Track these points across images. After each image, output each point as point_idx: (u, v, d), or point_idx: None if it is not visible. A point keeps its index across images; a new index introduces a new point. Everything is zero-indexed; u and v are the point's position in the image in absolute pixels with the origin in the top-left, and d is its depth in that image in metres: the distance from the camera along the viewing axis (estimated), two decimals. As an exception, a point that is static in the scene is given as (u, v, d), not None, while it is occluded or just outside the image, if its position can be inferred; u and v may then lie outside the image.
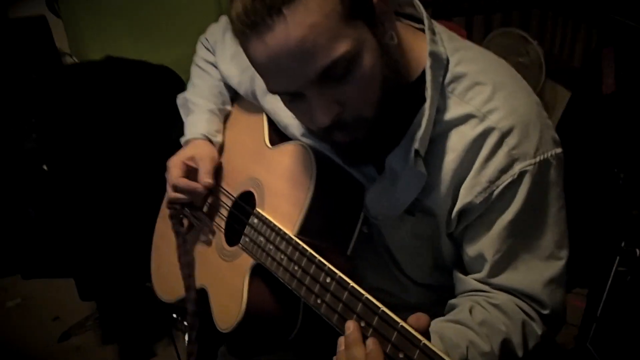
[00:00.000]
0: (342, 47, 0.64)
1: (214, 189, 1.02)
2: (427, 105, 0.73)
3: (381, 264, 0.90)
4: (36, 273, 2.25)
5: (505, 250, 0.77)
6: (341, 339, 0.64)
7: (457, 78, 0.76)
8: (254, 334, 0.87)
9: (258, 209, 0.89)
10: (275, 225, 0.83)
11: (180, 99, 1.10)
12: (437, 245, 0.84)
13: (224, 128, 1.09)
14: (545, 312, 0.78)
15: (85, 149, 1.60)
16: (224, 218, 0.98)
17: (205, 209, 1.03)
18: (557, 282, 0.78)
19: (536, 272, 0.77)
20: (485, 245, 0.77)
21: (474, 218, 0.77)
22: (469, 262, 0.81)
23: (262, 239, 0.85)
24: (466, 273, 0.82)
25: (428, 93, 0.73)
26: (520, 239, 0.77)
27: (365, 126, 0.72)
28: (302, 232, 0.81)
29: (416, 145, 0.74)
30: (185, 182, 0.97)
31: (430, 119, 0.74)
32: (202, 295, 0.96)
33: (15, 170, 1.86)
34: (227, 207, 0.98)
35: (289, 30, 0.61)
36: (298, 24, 0.61)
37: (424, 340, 0.57)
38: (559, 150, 0.77)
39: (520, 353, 0.75)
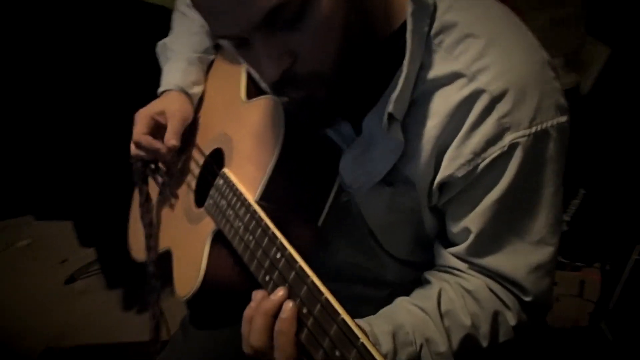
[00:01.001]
0: None
1: (188, 144, 0.94)
2: (405, 60, 0.62)
3: (359, 238, 0.81)
4: (47, 215, 2.27)
5: (490, 230, 0.66)
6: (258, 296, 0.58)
7: (445, 28, 0.63)
8: (213, 305, 0.81)
9: (225, 169, 0.80)
10: (237, 188, 0.75)
11: (159, 45, 1.00)
12: (419, 219, 0.74)
13: (206, 78, 0.99)
14: (527, 299, 0.68)
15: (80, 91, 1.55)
16: (195, 177, 0.90)
17: (177, 165, 0.95)
18: (544, 269, 0.68)
19: (522, 256, 0.67)
20: (468, 222, 0.67)
21: (456, 192, 0.67)
22: (452, 238, 0.72)
23: (224, 202, 0.77)
24: (447, 247, 0.73)
25: (408, 46, 0.62)
26: (508, 219, 0.66)
27: (323, 83, 0.61)
28: (264, 198, 0.72)
29: (390, 108, 0.63)
30: (147, 141, 0.89)
31: (410, 78, 0.63)
32: (167, 258, 0.89)
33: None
34: (199, 165, 0.90)
35: None
36: None
37: (363, 339, 0.49)
38: (562, 119, 0.64)
39: (484, 343, 0.67)
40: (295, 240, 0.74)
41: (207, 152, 0.89)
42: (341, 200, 0.76)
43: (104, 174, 1.68)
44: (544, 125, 0.62)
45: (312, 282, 0.57)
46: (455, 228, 0.69)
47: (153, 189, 0.98)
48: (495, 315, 0.67)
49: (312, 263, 0.88)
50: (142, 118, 0.90)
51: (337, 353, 0.51)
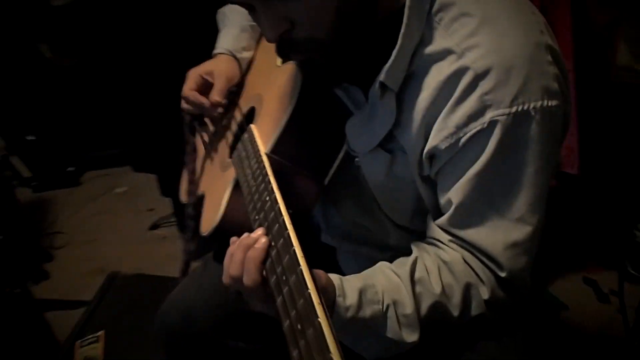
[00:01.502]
0: None
1: (231, 103, 1.04)
2: (400, 34, 0.66)
3: (364, 201, 0.86)
4: (142, 168, 2.52)
5: (470, 203, 0.69)
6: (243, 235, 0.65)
7: (445, 6, 0.67)
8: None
9: (251, 125, 0.90)
10: (255, 141, 0.84)
11: (219, 13, 1.11)
12: (416, 188, 0.78)
13: (257, 46, 1.09)
14: (502, 274, 0.70)
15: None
16: (232, 132, 1.00)
17: (221, 121, 1.06)
18: (522, 247, 0.69)
19: (500, 232, 0.69)
20: (451, 194, 0.70)
21: (443, 164, 0.70)
22: (441, 210, 0.75)
23: (244, 153, 0.86)
24: (436, 219, 0.76)
25: (404, 21, 0.66)
26: (488, 194, 0.69)
27: (319, 49, 0.68)
28: (274, 151, 0.80)
29: (381, 77, 0.68)
30: (194, 96, 0.99)
31: (404, 51, 0.67)
32: (202, 201, 1.01)
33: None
34: (236, 122, 1.00)
35: None
36: None
37: (311, 290, 0.52)
38: (550, 102, 0.65)
39: (455, 313, 0.70)
40: (298, 191, 0.82)
41: (244, 110, 0.98)
42: (351, 163, 0.82)
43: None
44: (525, 106, 0.64)
45: (284, 220, 0.64)
46: (441, 199, 0.73)
47: (201, 142, 1.10)
48: (468, 287, 0.70)
49: (323, 219, 0.96)
50: (191, 76, 1.01)
51: (283, 286, 0.56)
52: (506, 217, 0.69)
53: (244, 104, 1.01)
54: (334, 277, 0.69)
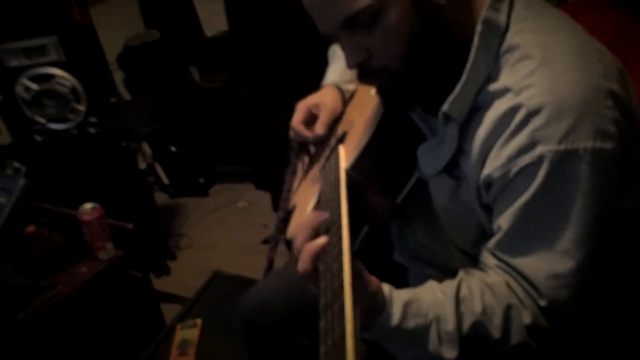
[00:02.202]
0: (363, 1, 0.69)
1: (332, 129, 1.16)
2: (465, 70, 0.73)
3: (432, 223, 0.92)
4: (262, 186, 2.75)
5: (517, 230, 0.73)
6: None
7: (511, 48, 0.73)
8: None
9: (340, 145, 1.00)
10: (338, 158, 0.94)
11: (330, 50, 1.24)
12: (477, 215, 0.82)
13: None
14: (542, 303, 0.72)
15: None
16: (327, 153, 1.11)
17: (322, 145, 1.17)
18: (564, 280, 0.71)
19: (544, 261, 0.72)
20: (501, 220, 0.74)
21: (497, 192, 0.75)
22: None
23: (329, 169, 0.96)
24: None
25: (470, 59, 0.73)
26: (535, 224, 0.72)
27: (393, 77, 0.76)
28: (353, 168, 0.89)
29: (444, 107, 0.75)
30: (300, 129, 1.10)
31: (467, 85, 0.74)
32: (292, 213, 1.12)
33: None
34: (331, 144, 1.11)
35: None
36: None
37: (345, 275, 0.60)
38: (603, 145, 0.67)
39: (496, 334, 0.72)
40: (370, 206, 0.89)
41: (339, 134, 1.09)
42: (423, 186, 0.89)
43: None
44: (574, 145, 0.67)
45: (342, 222, 0.72)
46: (494, 225, 0.77)
47: (302, 165, 1.22)
48: (509, 308, 0.73)
49: (397, 238, 1.02)
50: (300, 108, 1.13)
51: (327, 273, 0.65)
52: (551, 249, 0.71)
53: (340, 129, 1.11)
54: (386, 286, 0.76)
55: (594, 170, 0.68)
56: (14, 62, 1.74)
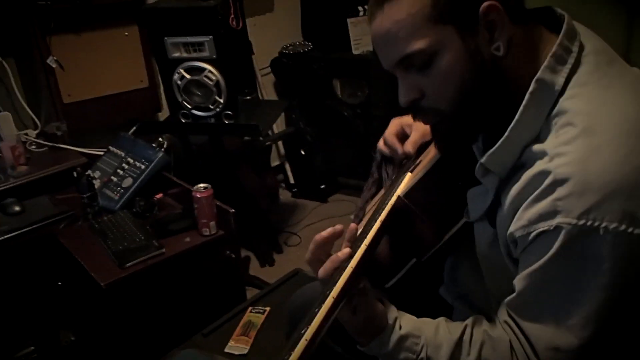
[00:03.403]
0: (418, 44, 0.73)
1: (418, 154, 1.20)
2: (509, 127, 0.74)
3: (476, 267, 0.93)
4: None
5: (529, 293, 0.73)
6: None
7: (560, 112, 0.72)
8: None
9: (408, 172, 1.05)
10: (399, 183, 0.99)
11: None
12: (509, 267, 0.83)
13: None
14: None
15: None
16: (401, 176, 1.17)
17: (402, 167, 1.23)
18: (563, 354, 0.70)
19: (548, 331, 0.71)
20: (517, 280, 0.75)
21: (519, 251, 0.75)
22: None
23: (390, 191, 1.02)
24: None
25: (516, 116, 0.74)
26: (546, 292, 0.71)
27: (442, 118, 0.79)
28: (407, 196, 0.94)
29: (483, 159, 0.77)
30: (392, 139, 1.15)
31: (509, 142, 0.75)
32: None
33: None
34: (407, 168, 1.16)
35: (383, 20, 0.75)
36: (388, 17, 0.75)
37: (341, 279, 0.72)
38: (629, 229, 0.64)
39: None
40: (417, 235, 0.94)
41: (417, 162, 1.14)
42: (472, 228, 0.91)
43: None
44: (595, 223, 0.65)
45: (358, 248, 0.80)
46: (513, 282, 0.77)
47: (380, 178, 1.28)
48: None
49: (447, 274, 1.04)
50: (394, 123, 1.18)
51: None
52: (558, 321, 0.70)
53: (420, 157, 1.16)
54: (393, 313, 0.82)
55: (616, 253, 0.66)
56: (176, 54, 2.03)
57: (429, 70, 0.76)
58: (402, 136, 1.16)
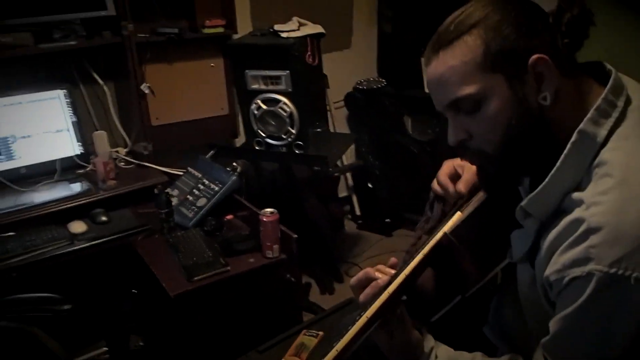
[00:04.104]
0: (467, 89, 0.79)
1: (472, 193, 1.24)
2: (550, 174, 0.78)
3: (518, 306, 0.95)
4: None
5: (562, 337, 0.75)
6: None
7: (601, 163, 0.75)
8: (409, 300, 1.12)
9: (458, 211, 1.09)
10: (447, 220, 1.04)
11: None
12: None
13: None
14: None
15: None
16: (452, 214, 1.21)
17: (454, 206, 1.27)
18: None
19: None
20: (552, 322, 0.78)
21: (555, 295, 0.77)
22: None
23: (440, 228, 1.07)
24: None
25: (557, 164, 0.77)
26: (578, 336, 0.73)
27: (487, 160, 0.84)
28: (452, 233, 0.98)
29: (523, 202, 0.80)
30: (445, 180, 1.19)
31: (549, 187, 0.78)
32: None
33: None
34: (458, 207, 1.20)
35: (437, 65, 0.82)
36: (443, 63, 0.81)
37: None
38: None
39: None
40: (460, 271, 0.98)
41: (465, 201, 1.18)
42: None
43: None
44: (625, 273, 0.68)
45: (397, 277, 0.85)
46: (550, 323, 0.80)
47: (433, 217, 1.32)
48: None
49: (492, 313, 1.07)
50: (447, 164, 1.23)
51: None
52: None
53: (473, 197, 1.20)
54: (429, 343, 0.86)
55: None
56: (254, 85, 2.19)
57: (476, 114, 0.81)
58: (455, 176, 1.20)
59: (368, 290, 0.88)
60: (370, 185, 3.15)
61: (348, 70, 3.15)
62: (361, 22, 3.19)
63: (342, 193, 3.34)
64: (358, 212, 3.30)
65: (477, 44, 0.79)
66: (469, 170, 1.18)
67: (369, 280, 0.91)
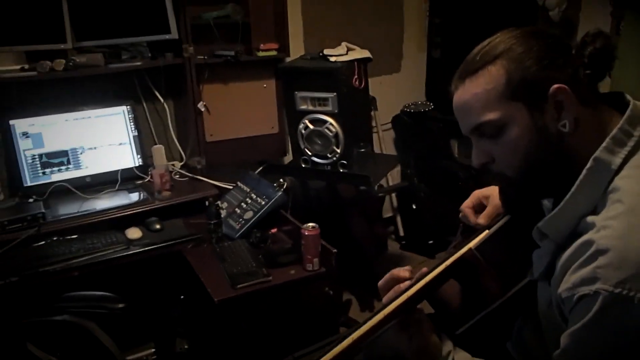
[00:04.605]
0: (489, 115, 0.85)
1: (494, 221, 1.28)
2: (565, 199, 0.83)
3: (538, 324, 0.98)
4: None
5: (570, 352, 0.79)
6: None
7: (614, 189, 0.80)
8: (436, 312, 1.17)
9: (486, 230, 1.14)
10: (474, 238, 1.09)
11: None
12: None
13: None
14: None
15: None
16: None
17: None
18: None
19: None
20: (563, 337, 0.81)
21: (567, 311, 0.81)
22: None
23: (463, 244, 1.12)
24: None
25: (573, 189, 0.82)
26: (584, 352, 0.77)
27: (508, 183, 0.89)
28: (478, 249, 1.04)
29: (540, 224, 0.85)
30: (467, 213, 1.24)
31: (565, 211, 0.83)
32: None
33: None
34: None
35: (463, 92, 0.89)
36: (468, 90, 0.88)
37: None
38: None
39: None
40: (483, 286, 1.03)
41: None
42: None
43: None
44: (630, 293, 0.72)
45: (416, 283, 0.91)
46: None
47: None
48: None
49: (516, 330, 1.11)
50: (473, 196, 1.28)
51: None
52: None
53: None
54: (449, 345, 0.93)
55: None
56: (303, 106, 2.30)
57: (499, 139, 0.88)
58: (480, 207, 1.24)
59: (391, 293, 0.95)
60: (414, 206, 3.19)
61: (397, 93, 3.22)
62: (411, 48, 3.27)
63: (387, 214, 3.39)
64: (402, 233, 3.34)
65: (500, 73, 0.85)
66: (492, 203, 1.22)
67: (394, 281, 0.97)
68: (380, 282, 1.00)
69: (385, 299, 0.95)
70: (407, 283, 0.95)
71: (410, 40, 3.25)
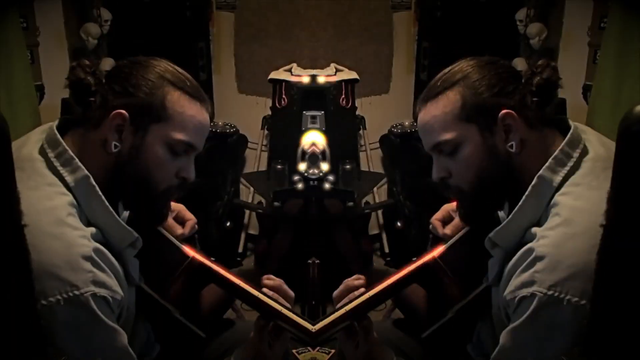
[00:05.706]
0: (446, 135, 0.96)
1: None
2: (512, 212, 0.93)
3: (493, 325, 1.05)
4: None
5: (507, 351, 0.88)
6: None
7: (555, 204, 0.90)
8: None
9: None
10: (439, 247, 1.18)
11: None
12: None
13: None
14: None
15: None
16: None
17: None
18: None
19: None
20: (501, 335, 0.90)
21: (511, 313, 0.90)
22: None
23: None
24: None
25: (520, 203, 0.92)
26: (520, 351, 0.87)
27: (463, 196, 0.99)
28: (441, 258, 1.13)
29: (491, 234, 0.95)
30: (436, 224, 1.26)
31: (512, 223, 0.93)
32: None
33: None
34: None
35: (425, 114, 1.00)
36: (429, 112, 0.99)
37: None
38: (588, 304, 0.80)
39: None
40: (446, 294, 1.12)
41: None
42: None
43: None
44: (560, 295, 0.82)
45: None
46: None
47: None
48: None
49: (476, 332, 1.19)
50: (443, 209, 1.30)
51: None
52: None
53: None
54: (391, 353, 1.03)
55: (577, 322, 0.82)
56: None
57: (455, 156, 0.98)
58: (449, 219, 1.28)
59: (342, 287, 1.06)
60: (399, 224, 3.28)
61: (385, 113, 3.33)
62: (400, 70, 3.39)
63: (374, 230, 3.47)
64: (387, 250, 3.42)
65: (457, 98, 0.96)
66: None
67: (348, 290, 1.06)
68: (335, 292, 1.08)
69: (336, 293, 1.05)
70: (362, 290, 1.04)
71: (399, 63, 3.38)
